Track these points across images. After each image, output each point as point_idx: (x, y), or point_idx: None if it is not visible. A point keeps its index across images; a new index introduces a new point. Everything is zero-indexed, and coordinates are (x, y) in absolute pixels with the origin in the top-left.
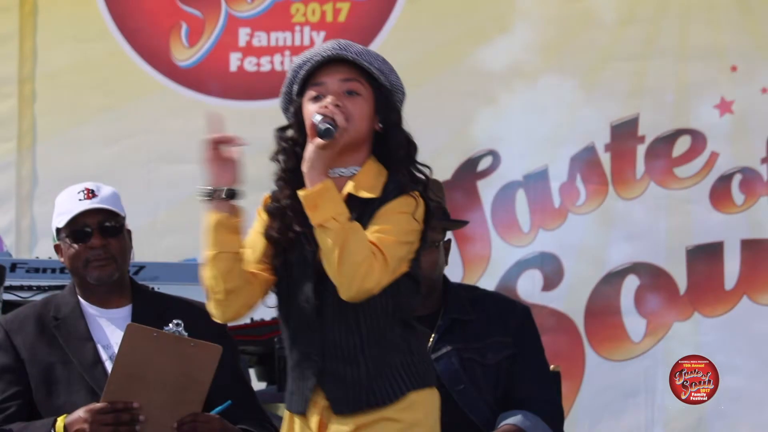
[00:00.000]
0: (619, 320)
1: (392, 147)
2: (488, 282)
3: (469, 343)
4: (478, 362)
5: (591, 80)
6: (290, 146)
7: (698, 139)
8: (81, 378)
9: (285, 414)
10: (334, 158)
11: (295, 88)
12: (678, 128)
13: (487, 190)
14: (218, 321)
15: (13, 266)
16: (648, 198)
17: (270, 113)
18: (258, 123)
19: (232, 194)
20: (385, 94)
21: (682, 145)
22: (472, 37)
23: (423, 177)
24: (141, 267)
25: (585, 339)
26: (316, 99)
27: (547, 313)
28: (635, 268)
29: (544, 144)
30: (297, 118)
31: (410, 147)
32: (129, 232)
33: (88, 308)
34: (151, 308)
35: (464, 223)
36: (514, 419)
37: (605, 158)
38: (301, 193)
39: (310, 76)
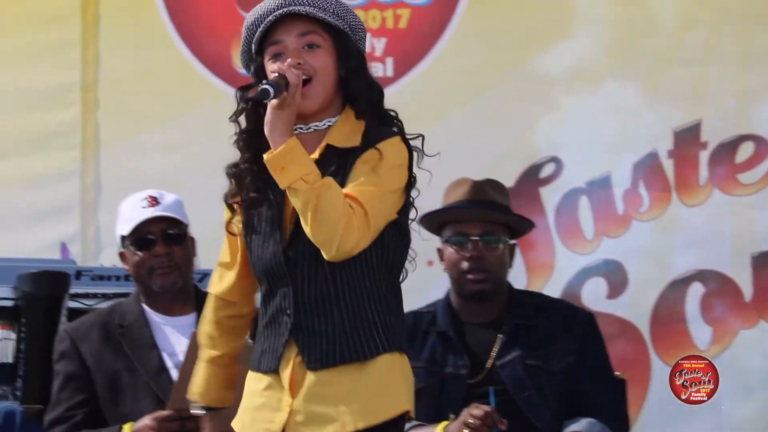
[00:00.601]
0: (684, 328)
1: (358, 90)
2: (553, 289)
3: (534, 349)
4: (542, 369)
5: (652, 86)
6: (251, 107)
7: (761, 144)
8: (147, 386)
9: (248, 378)
10: (293, 117)
11: (253, 47)
12: (740, 134)
13: (550, 196)
14: None
15: (78, 274)
16: (712, 204)
17: None
18: None
19: None
20: (344, 39)
21: (745, 150)
22: (532, 42)
23: (394, 120)
24: (205, 274)
25: (651, 347)
26: (277, 57)
27: (612, 320)
28: (700, 275)
29: (607, 150)
30: (258, 78)
31: (375, 90)
32: (192, 239)
33: (153, 316)
34: None
35: (531, 223)
36: (580, 426)
37: (668, 165)
38: (266, 156)
39: (266, 35)
